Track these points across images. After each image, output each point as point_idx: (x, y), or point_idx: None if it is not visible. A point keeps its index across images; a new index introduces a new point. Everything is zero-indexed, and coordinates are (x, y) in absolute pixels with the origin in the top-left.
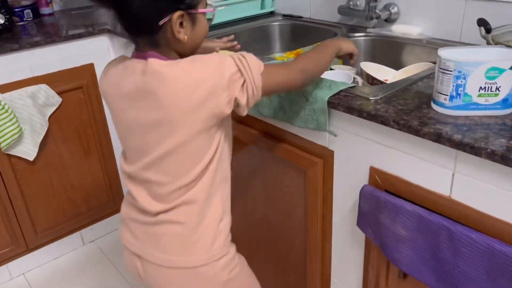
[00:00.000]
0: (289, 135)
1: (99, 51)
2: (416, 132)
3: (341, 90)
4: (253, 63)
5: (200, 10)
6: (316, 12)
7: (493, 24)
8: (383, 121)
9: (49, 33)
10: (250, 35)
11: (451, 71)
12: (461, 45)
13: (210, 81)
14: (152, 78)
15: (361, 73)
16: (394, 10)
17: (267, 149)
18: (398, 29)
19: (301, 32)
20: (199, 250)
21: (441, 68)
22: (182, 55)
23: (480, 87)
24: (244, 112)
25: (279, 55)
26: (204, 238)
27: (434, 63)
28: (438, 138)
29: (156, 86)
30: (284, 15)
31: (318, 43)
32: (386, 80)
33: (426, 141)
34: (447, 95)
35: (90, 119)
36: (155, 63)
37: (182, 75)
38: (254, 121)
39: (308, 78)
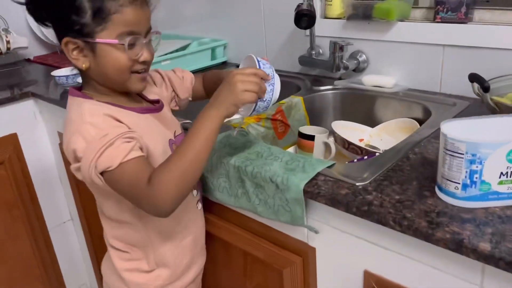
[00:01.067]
0: (257, 225)
1: (23, 118)
2: (427, 238)
3: (318, 172)
4: (99, 155)
5: (98, 41)
6: (274, 61)
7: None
8: (380, 220)
9: None
10: None
11: (462, 154)
12: (442, 96)
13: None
14: None
15: (334, 136)
16: (362, 58)
17: (230, 241)
18: (369, 80)
19: None
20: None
21: (448, 150)
22: (106, 85)
23: (501, 173)
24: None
25: (236, 121)
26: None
27: (415, 119)
28: (458, 247)
29: None
30: (238, 66)
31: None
32: (362, 140)
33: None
34: (459, 183)
35: (16, 199)
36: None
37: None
38: (211, 204)
39: (167, 199)
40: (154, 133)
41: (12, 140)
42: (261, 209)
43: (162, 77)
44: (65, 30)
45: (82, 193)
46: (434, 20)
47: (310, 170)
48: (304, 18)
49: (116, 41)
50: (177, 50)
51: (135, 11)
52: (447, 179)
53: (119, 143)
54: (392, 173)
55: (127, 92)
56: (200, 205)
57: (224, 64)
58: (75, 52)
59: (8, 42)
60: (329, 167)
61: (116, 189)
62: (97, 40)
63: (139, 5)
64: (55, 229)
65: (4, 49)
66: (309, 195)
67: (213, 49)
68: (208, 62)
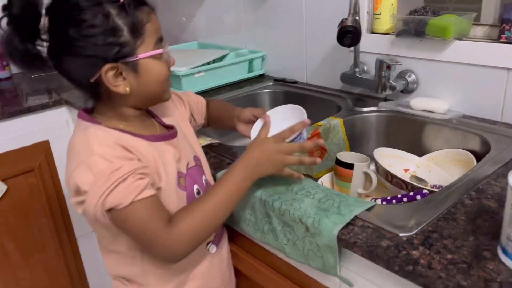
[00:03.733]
0: (285, 265)
1: (56, 125)
2: None
3: (356, 216)
4: (109, 192)
5: (141, 56)
6: (314, 76)
7: None
8: (428, 285)
9: None
10: (236, 105)
11: None
12: (504, 126)
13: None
14: None
15: (376, 166)
16: (411, 78)
17: (254, 279)
18: (418, 104)
19: (297, 101)
20: None
21: None
22: (140, 106)
23: None
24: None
25: None
26: None
27: (470, 151)
28: None
29: None
30: (276, 80)
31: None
32: (407, 170)
33: None
34: None
35: (44, 207)
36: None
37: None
38: (237, 236)
39: (184, 244)
40: (166, 164)
41: (44, 147)
42: (289, 250)
43: (180, 98)
44: (102, 58)
45: None
46: (498, 40)
47: (346, 212)
48: (348, 36)
49: (160, 50)
50: (214, 61)
51: (156, 17)
52: None
53: (131, 180)
54: (444, 223)
55: (139, 116)
56: (214, 248)
57: (261, 77)
58: (115, 78)
59: None
60: (368, 209)
61: (123, 228)
62: (140, 56)
63: (155, 12)
64: (83, 239)
65: None
66: (343, 244)
67: (250, 61)
68: (245, 75)
